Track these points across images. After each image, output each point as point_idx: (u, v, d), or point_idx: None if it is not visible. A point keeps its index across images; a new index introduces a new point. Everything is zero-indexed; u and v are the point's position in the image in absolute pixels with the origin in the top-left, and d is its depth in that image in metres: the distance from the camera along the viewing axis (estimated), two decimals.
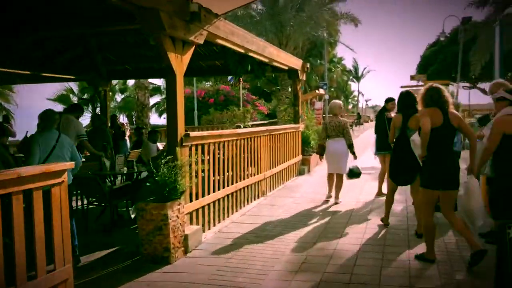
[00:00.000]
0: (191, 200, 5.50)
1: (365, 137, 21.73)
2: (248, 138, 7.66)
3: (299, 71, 11.10)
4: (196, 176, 5.60)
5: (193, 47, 5.48)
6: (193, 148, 5.59)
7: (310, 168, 11.87)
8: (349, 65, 60.58)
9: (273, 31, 19.21)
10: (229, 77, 19.30)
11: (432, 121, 4.37)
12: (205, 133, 6.32)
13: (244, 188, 7.40)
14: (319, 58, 35.03)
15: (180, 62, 5.19)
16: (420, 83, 28.22)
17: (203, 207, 5.84)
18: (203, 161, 5.88)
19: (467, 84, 35.50)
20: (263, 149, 8.40)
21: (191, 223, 5.49)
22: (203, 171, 5.88)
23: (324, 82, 23.24)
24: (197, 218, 5.69)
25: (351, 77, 59.39)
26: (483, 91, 34.95)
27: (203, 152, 5.90)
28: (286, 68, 10.35)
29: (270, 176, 8.85)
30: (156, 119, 32.16)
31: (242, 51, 7.35)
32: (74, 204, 7.43)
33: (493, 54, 18.98)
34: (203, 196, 5.84)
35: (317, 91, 21.03)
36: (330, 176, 8.06)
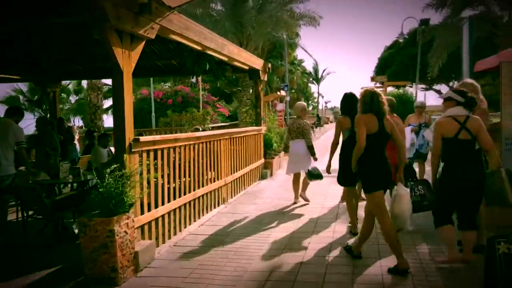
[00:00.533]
0: (142, 213, 4.95)
1: (326, 139, 21.63)
2: (208, 142, 7.16)
3: (260, 72, 10.69)
4: (149, 186, 5.05)
5: (143, 42, 4.93)
6: (145, 155, 5.04)
7: (273, 172, 11.49)
8: (309, 67, 61.07)
9: (233, 31, 18.73)
10: (193, 79, 18.71)
11: (367, 128, 4.31)
12: (158, 137, 5.76)
13: (203, 195, 6.89)
14: (279, 59, 34.88)
15: (128, 58, 4.64)
16: (378, 84, 28.50)
17: (156, 219, 5.29)
18: (156, 168, 5.33)
19: (424, 86, 36.32)
20: (224, 153, 7.92)
21: (142, 237, 4.94)
22: (156, 179, 5.33)
23: (285, 84, 22.98)
24: (150, 231, 5.14)
25: (311, 79, 59.85)
26: (439, 92, 35.83)
27: (156, 158, 5.35)
28: (247, 68, 9.91)
29: (231, 182, 8.39)
30: (112, 122, 30.96)
31: (199, 48, 6.84)
32: (13, 216, 6.76)
33: (450, 55, 19.36)
34: (156, 207, 5.29)
35: (278, 93, 20.73)
36: (295, 181, 7.84)
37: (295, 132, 7.53)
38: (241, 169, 9.11)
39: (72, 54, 9.59)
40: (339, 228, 6.09)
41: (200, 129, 10.59)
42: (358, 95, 5.18)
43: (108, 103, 27.69)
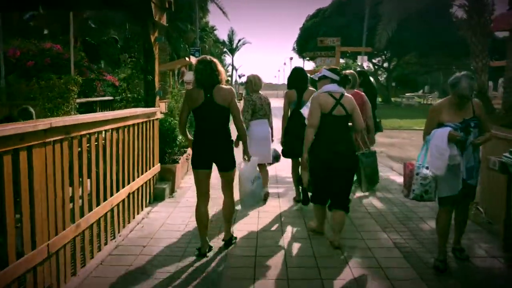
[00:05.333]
0: None
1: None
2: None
3: (153, 5, 5.75)
4: None
5: None
6: None
7: (176, 185, 6.74)
8: (223, 36, 55.86)
9: None
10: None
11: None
12: None
13: None
14: (188, 22, 29.50)
15: None
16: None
17: None
18: None
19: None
20: (40, 177, 3.04)
21: None
22: None
23: (196, 48, 18.08)
24: None
25: (224, 49, 54.59)
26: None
27: None
28: None
29: (71, 241, 3.53)
30: None
31: None
32: None
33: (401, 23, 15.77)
34: None
35: (187, 59, 15.60)
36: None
37: (263, 109, 5.96)
38: (104, 200, 4.28)
39: None
40: None
41: (30, 111, 5.44)
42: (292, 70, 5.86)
43: None
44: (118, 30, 19.93)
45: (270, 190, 6.69)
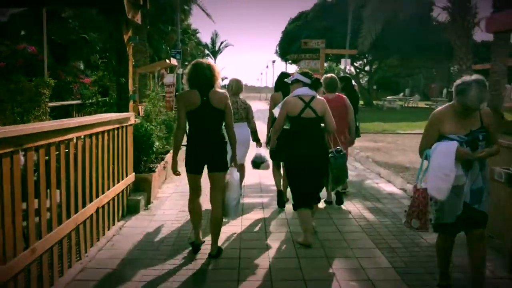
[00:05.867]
0: None
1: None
2: None
3: (125, 2, 5.27)
4: None
5: None
6: None
7: (153, 195, 6.27)
8: (205, 39, 55.32)
9: None
10: None
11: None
12: None
13: None
14: (170, 24, 28.95)
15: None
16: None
17: None
18: None
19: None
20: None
21: None
22: None
23: (178, 50, 17.51)
24: None
25: (207, 52, 53.99)
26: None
27: None
28: None
29: (24, 270, 3.04)
30: None
31: None
32: None
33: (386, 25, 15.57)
34: None
35: (167, 61, 15.06)
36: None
37: (238, 113, 5.81)
38: (65, 218, 3.80)
39: None
40: None
41: None
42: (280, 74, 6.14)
43: None
44: (99, 31, 19.29)
45: (254, 200, 6.33)
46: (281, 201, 5.91)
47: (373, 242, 4.62)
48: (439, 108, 3.39)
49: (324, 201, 5.87)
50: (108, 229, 4.96)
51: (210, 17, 30.59)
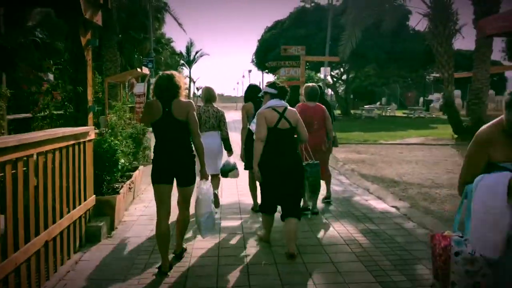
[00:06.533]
0: None
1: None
2: None
3: (81, 0, 4.55)
4: None
5: None
6: None
7: (118, 220, 5.51)
8: (180, 48, 54.42)
9: None
10: None
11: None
12: None
13: None
14: (143, 31, 28.10)
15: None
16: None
17: None
18: None
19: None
20: None
21: None
22: None
23: (150, 59, 16.68)
24: None
25: (182, 62, 52.98)
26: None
27: None
28: None
29: None
30: None
31: None
32: None
33: (365, 31, 15.12)
34: None
35: (139, 69, 14.24)
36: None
37: (209, 122, 5.91)
38: None
39: None
40: None
41: None
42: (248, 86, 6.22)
43: None
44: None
45: (232, 222, 5.67)
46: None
47: (372, 275, 3.98)
48: (484, 127, 2.49)
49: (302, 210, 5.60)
50: (62, 264, 4.20)
51: (181, 26, 29.92)
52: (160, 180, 4.01)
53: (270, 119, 4.45)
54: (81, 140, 4.71)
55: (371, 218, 5.83)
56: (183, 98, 4.09)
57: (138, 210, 6.27)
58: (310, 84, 6.32)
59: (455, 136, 15.09)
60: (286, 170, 4.44)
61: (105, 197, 5.36)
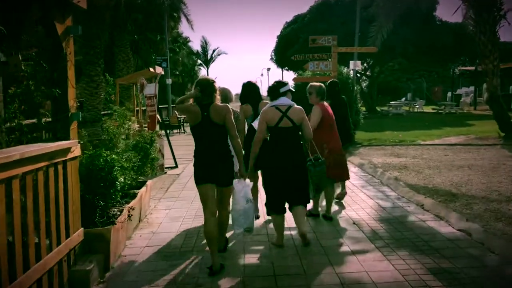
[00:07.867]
0: None
1: None
2: None
3: None
4: None
5: None
6: None
7: (113, 257, 4.33)
8: (197, 46, 53.27)
9: None
10: None
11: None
12: None
13: None
14: (158, 32, 27.11)
15: None
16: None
17: None
18: None
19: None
20: None
21: None
22: None
23: (164, 58, 15.54)
24: None
25: (198, 61, 51.76)
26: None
27: None
28: None
29: None
30: None
31: None
32: None
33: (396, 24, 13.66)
34: None
35: (151, 69, 13.09)
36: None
37: None
38: None
39: None
40: None
41: None
42: (244, 85, 5.73)
43: None
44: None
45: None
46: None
47: None
48: None
49: (309, 213, 5.64)
50: None
51: (190, 24, 28.78)
52: (201, 181, 4.12)
53: (272, 118, 4.44)
54: (59, 160, 3.54)
55: (438, 249, 4.51)
56: (218, 102, 4.18)
57: (143, 239, 5.10)
58: (316, 83, 5.80)
59: (502, 134, 13.56)
60: (288, 169, 4.46)
61: (96, 229, 4.18)
